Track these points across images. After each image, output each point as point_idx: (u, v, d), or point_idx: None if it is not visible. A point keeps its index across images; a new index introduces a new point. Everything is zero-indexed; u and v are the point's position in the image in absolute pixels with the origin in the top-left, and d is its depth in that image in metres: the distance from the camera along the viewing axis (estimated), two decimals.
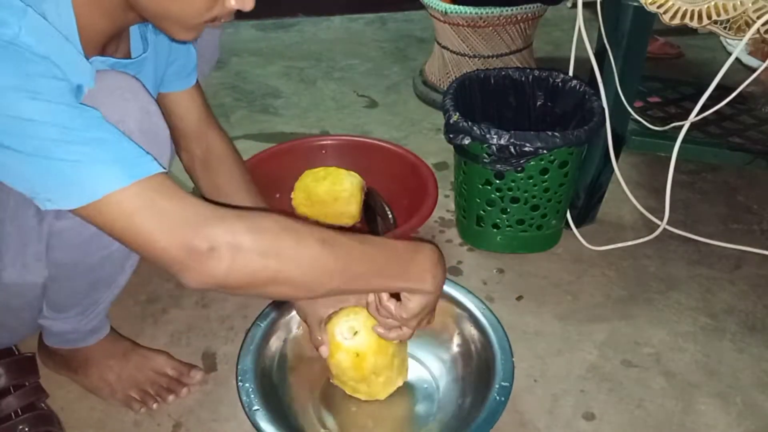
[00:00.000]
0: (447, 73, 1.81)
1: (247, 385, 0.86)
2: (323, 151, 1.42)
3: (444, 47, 1.78)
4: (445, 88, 1.78)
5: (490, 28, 1.68)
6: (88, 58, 0.68)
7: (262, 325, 0.95)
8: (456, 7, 1.65)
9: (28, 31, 0.58)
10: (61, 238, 0.79)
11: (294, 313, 0.97)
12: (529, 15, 1.68)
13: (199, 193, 0.99)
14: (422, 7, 1.79)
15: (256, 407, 0.83)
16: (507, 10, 1.64)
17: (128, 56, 0.81)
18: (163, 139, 0.79)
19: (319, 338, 0.88)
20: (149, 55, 0.82)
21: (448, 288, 1.00)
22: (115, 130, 0.63)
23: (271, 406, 0.85)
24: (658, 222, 1.24)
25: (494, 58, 1.75)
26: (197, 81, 0.96)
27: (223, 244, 0.61)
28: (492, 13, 1.64)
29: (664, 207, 1.19)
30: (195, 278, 0.61)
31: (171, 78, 0.91)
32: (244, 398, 0.84)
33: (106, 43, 0.73)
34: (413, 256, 0.75)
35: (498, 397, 0.84)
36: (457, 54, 1.76)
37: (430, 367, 0.99)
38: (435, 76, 1.86)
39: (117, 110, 0.73)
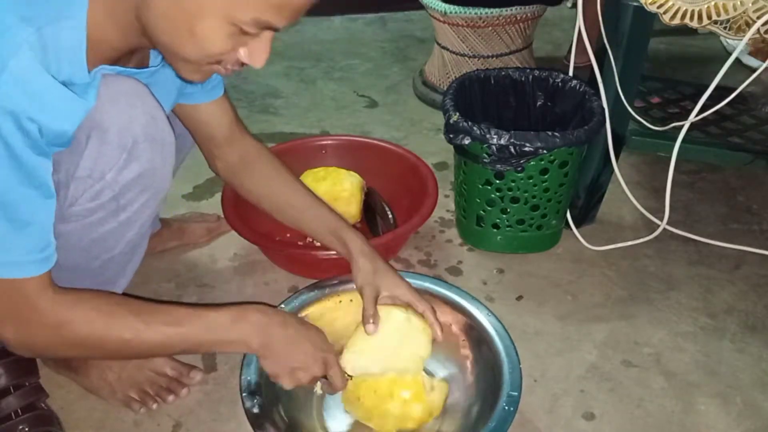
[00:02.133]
0: (447, 74, 1.81)
1: (252, 397, 0.85)
2: (323, 151, 1.42)
3: (444, 47, 1.78)
4: (445, 89, 1.79)
5: (490, 28, 1.68)
6: (92, 68, 0.68)
7: None
8: (456, 7, 1.65)
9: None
10: (65, 241, 0.79)
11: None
12: (529, 15, 1.68)
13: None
14: (422, 7, 1.79)
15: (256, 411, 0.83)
16: (506, 11, 1.64)
17: (145, 65, 0.80)
18: (168, 145, 0.80)
19: (371, 313, 0.89)
20: (166, 68, 0.81)
21: (452, 294, 1.00)
22: (29, 220, 0.66)
23: (274, 417, 0.84)
24: (658, 222, 1.24)
25: (494, 58, 1.75)
26: (225, 91, 0.97)
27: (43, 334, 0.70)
28: (491, 13, 1.64)
29: (664, 207, 1.19)
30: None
31: (196, 90, 0.92)
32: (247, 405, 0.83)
33: (120, 58, 0.73)
34: (232, 326, 0.78)
35: (507, 407, 0.83)
36: (457, 54, 1.76)
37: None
38: (435, 77, 1.86)
39: (123, 116, 0.73)
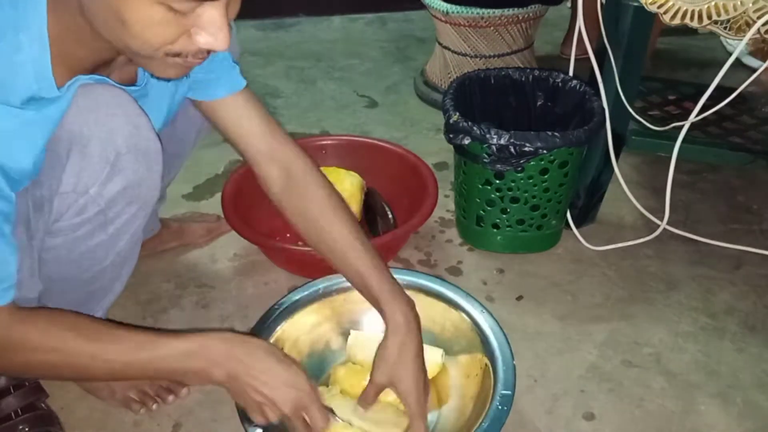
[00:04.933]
0: (449, 74, 1.81)
1: None
2: (323, 151, 1.42)
3: (445, 47, 1.78)
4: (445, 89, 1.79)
5: (492, 28, 1.68)
6: (62, 84, 0.65)
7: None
8: (458, 7, 1.65)
9: None
10: (54, 254, 0.78)
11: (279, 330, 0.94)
12: (531, 15, 1.69)
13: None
14: (422, 7, 1.79)
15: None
16: (509, 11, 1.64)
17: (133, 81, 0.78)
18: (153, 153, 0.76)
19: (370, 401, 0.85)
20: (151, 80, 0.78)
21: (446, 291, 1.00)
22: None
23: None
24: (658, 222, 1.24)
25: (496, 58, 1.75)
26: (247, 87, 0.88)
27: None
28: (494, 13, 1.64)
29: (664, 207, 1.19)
30: None
31: (201, 82, 0.86)
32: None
33: (95, 69, 0.69)
34: (193, 356, 0.73)
35: (500, 407, 0.83)
36: (459, 54, 1.76)
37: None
38: (436, 77, 1.86)
39: (103, 128, 0.71)
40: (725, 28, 0.99)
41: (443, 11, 1.68)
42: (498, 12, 1.64)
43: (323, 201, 0.88)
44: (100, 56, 0.68)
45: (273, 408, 0.75)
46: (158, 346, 0.72)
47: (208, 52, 0.63)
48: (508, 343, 0.91)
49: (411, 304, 0.86)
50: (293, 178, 0.89)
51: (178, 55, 0.61)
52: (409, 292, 0.88)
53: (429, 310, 0.97)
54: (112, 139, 0.71)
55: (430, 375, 0.89)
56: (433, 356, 0.91)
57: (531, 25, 1.73)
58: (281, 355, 0.78)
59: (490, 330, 0.93)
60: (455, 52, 1.77)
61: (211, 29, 0.59)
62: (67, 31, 0.63)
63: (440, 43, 1.81)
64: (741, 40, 0.98)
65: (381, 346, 0.84)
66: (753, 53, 1.91)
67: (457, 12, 1.66)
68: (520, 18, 1.68)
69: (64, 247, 0.78)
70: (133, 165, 0.74)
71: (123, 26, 0.57)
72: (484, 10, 1.64)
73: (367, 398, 0.85)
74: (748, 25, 0.97)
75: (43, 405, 0.91)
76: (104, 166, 0.72)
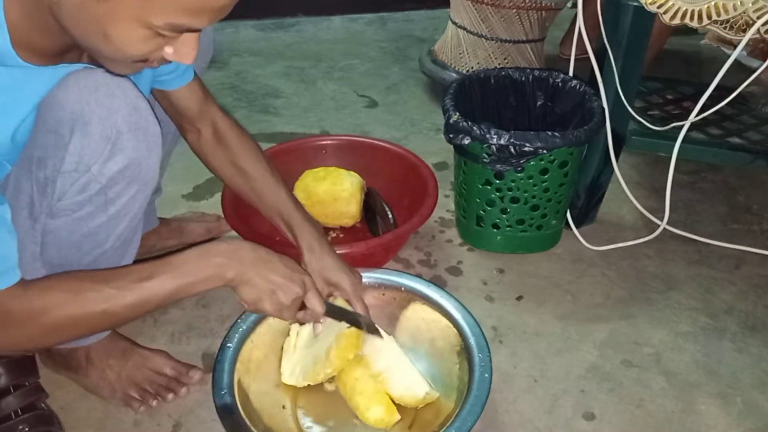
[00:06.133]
0: (461, 53, 1.78)
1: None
2: (323, 151, 1.42)
3: (461, 27, 1.76)
4: (456, 68, 1.78)
5: (514, 10, 1.66)
6: (36, 65, 0.67)
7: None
8: None
9: None
10: (55, 236, 0.79)
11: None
12: (552, 4, 1.68)
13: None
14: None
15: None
16: None
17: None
18: (153, 135, 0.78)
19: (319, 309, 0.89)
20: None
21: (412, 283, 1.03)
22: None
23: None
24: (658, 222, 1.24)
25: (510, 44, 1.72)
26: (195, 74, 0.96)
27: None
28: None
29: (664, 207, 1.19)
30: None
31: (166, 77, 0.91)
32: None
33: (63, 54, 0.71)
34: (202, 264, 0.77)
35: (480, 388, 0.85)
36: (474, 35, 1.74)
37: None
38: (446, 55, 1.83)
39: (104, 107, 0.72)
40: (725, 28, 0.99)
41: None
42: None
43: (246, 151, 1.00)
44: (62, 44, 0.69)
45: (286, 291, 0.83)
46: (166, 266, 0.75)
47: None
48: (483, 333, 0.94)
49: (319, 228, 0.99)
50: (220, 133, 0.99)
51: (144, 60, 0.66)
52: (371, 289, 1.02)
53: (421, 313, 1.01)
54: (113, 118, 0.73)
55: (413, 405, 0.91)
56: (416, 390, 0.91)
57: (549, 16, 1.72)
58: (278, 253, 0.85)
59: (465, 324, 0.95)
60: (471, 32, 1.74)
61: (184, 49, 0.65)
62: (30, 21, 0.64)
63: (455, 22, 1.78)
64: (741, 40, 0.98)
65: (303, 263, 0.95)
66: (753, 53, 1.91)
67: None
68: (543, 5, 1.66)
69: (65, 228, 0.79)
70: (133, 143, 0.76)
71: (105, 38, 0.61)
72: None
73: (317, 309, 0.89)
74: (748, 25, 0.97)
75: (43, 405, 0.91)
76: (105, 144, 0.74)
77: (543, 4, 1.67)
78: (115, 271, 0.75)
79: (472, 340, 0.92)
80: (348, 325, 0.92)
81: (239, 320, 0.97)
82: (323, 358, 0.90)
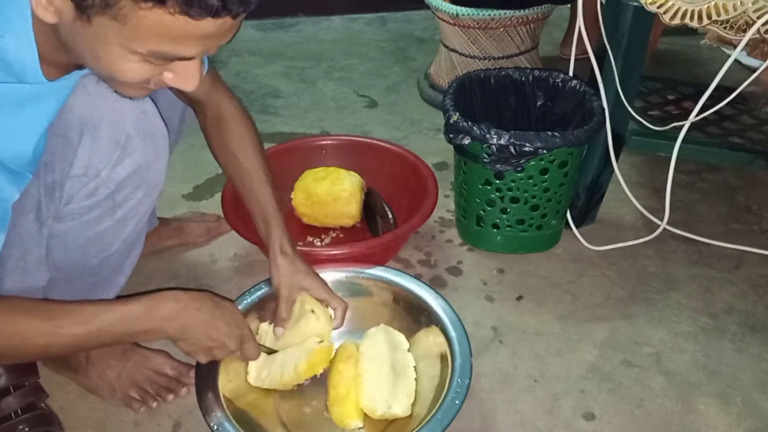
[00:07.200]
0: (456, 76, 1.79)
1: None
2: (323, 151, 1.42)
3: (452, 50, 1.76)
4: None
5: (502, 29, 1.67)
6: (52, 79, 0.67)
7: None
8: (468, 9, 1.63)
9: None
10: (61, 240, 0.79)
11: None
12: (540, 15, 1.68)
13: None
14: (422, 7, 1.78)
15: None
16: (519, 12, 1.63)
17: None
18: (161, 139, 0.79)
19: (284, 317, 0.95)
20: None
21: (406, 282, 1.04)
22: None
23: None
24: (658, 222, 1.24)
25: (504, 59, 1.73)
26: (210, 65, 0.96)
27: None
28: (504, 14, 1.63)
29: (664, 207, 1.19)
30: None
31: None
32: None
33: (78, 66, 0.70)
34: (147, 317, 0.77)
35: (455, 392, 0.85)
36: (467, 56, 1.74)
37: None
38: (443, 79, 1.84)
39: (113, 112, 0.73)
40: (725, 28, 0.99)
41: (452, 14, 1.66)
42: (509, 13, 1.62)
43: (242, 139, 0.99)
44: (76, 61, 0.69)
45: (222, 348, 0.85)
46: (111, 313, 0.75)
47: None
48: (465, 330, 0.95)
49: (289, 234, 0.99)
50: (223, 117, 0.98)
51: (146, 83, 0.64)
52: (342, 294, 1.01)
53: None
54: (122, 122, 0.73)
55: (372, 416, 0.91)
56: (375, 406, 0.90)
57: (539, 25, 1.72)
58: (220, 300, 0.86)
59: (449, 321, 0.96)
60: (463, 55, 1.75)
61: (184, 75, 0.63)
62: (46, 37, 0.63)
63: (446, 46, 1.79)
64: (741, 40, 0.98)
65: (274, 268, 0.96)
66: (753, 53, 1.91)
67: (467, 14, 1.64)
68: (530, 18, 1.66)
69: (71, 232, 0.79)
70: (142, 148, 0.76)
71: (96, 61, 0.60)
72: (494, 11, 1.62)
73: (282, 315, 0.95)
74: (748, 25, 0.97)
75: (43, 405, 0.91)
76: (115, 149, 0.74)
77: (530, 17, 1.66)
78: (59, 308, 0.74)
79: (456, 346, 0.92)
80: (319, 340, 0.93)
81: None
82: (291, 370, 0.92)
